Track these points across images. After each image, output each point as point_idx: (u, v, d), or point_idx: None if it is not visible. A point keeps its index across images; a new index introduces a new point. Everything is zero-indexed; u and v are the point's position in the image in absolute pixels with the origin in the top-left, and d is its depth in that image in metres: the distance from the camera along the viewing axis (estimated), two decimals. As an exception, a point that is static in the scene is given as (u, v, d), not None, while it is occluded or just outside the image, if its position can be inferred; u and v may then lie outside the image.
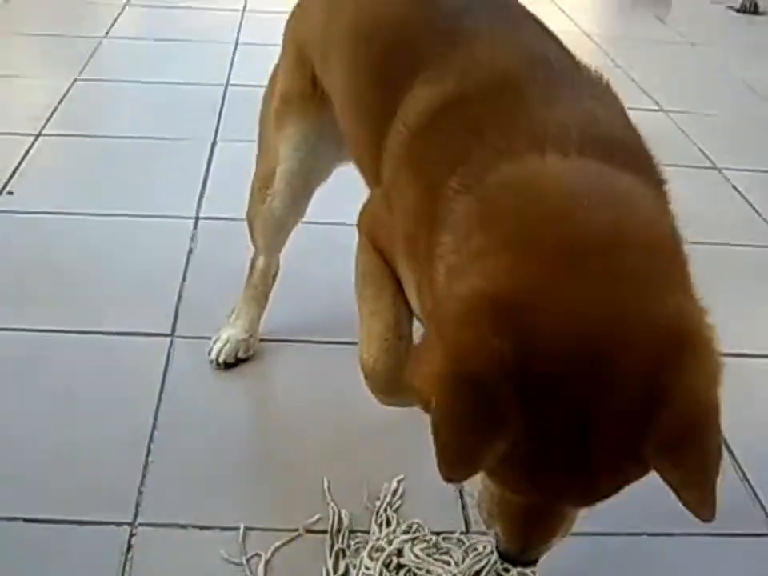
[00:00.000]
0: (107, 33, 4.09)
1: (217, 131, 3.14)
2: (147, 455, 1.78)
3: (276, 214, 1.91)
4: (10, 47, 3.92)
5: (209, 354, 2.05)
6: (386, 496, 1.69)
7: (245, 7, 4.53)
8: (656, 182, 1.28)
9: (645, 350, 1.04)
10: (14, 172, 2.78)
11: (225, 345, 2.05)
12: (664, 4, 5.33)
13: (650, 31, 4.81)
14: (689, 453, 1.04)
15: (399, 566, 1.49)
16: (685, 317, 1.08)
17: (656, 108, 3.66)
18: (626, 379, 1.03)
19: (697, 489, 1.04)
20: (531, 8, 1.55)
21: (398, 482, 1.73)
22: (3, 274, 2.31)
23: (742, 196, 3.04)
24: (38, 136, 3.02)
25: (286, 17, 1.88)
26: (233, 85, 3.55)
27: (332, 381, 2.01)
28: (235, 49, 3.96)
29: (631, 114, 1.36)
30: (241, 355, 2.06)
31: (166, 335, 2.12)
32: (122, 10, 4.41)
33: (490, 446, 1.04)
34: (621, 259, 1.09)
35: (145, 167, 2.90)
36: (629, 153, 1.26)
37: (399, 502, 1.69)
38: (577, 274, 1.07)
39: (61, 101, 3.32)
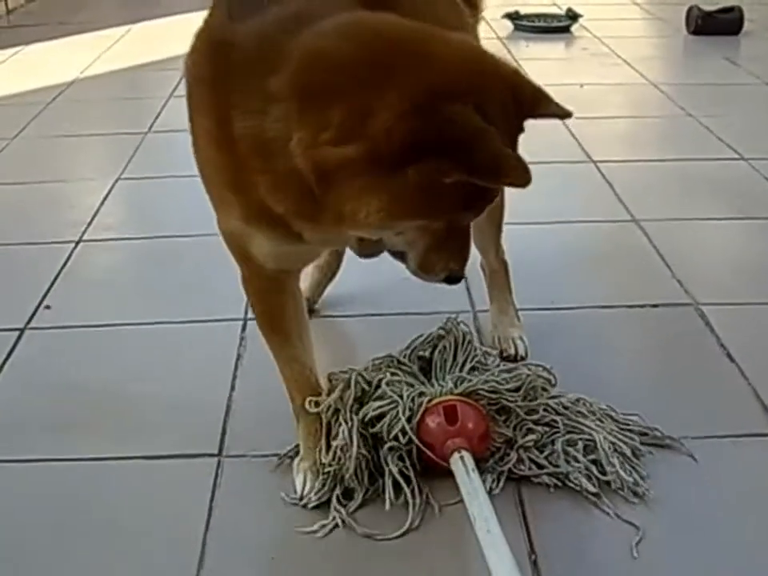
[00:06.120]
0: (150, 127, 3.96)
1: (266, 220, 2.93)
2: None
3: None
4: (53, 151, 3.79)
5: None
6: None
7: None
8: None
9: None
10: (51, 285, 2.60)
11: None
12: (734, 45, 5.09)
13: (720, 75, 4.57)
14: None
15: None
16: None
17: (736, 157, 3.40)
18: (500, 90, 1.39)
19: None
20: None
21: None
22: (40, 397, 2.12)
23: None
24: (77, 243, 2.86)
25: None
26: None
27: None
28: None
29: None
30: None
31: (212, 455, 1.90)
32: (166, 102, 4.27)
33: None
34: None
35: (189, 267, 2.72)
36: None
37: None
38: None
39: (102, 203, 3.17)
